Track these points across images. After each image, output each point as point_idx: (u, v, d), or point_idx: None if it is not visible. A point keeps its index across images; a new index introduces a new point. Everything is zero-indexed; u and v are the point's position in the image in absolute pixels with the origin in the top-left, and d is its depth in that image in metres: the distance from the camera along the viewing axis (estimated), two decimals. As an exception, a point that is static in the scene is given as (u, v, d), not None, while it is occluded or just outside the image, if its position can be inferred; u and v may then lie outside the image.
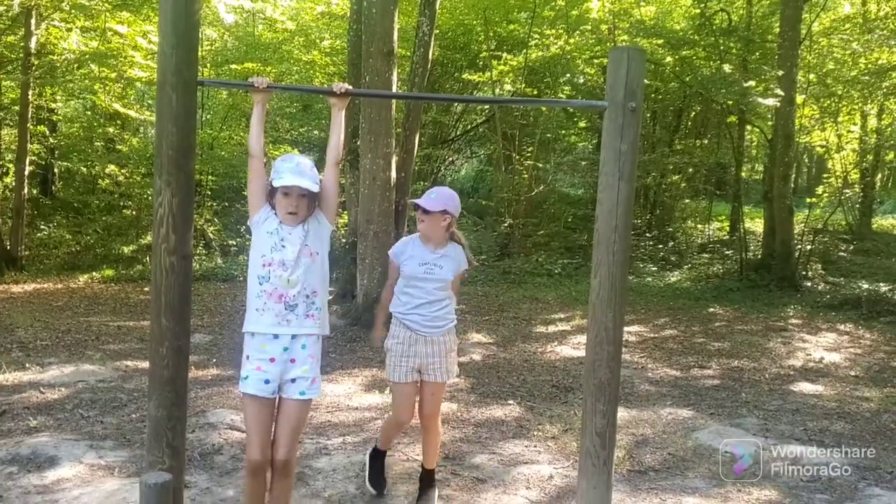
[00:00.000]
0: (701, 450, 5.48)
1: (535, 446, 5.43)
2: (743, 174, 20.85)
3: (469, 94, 19.84)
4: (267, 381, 3.37)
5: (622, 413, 6.25)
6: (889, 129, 19.25)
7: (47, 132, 16.50)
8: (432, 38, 10.33)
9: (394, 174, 9.45)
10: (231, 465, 4.74)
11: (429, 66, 10.56)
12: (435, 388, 4.20)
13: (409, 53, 12.64)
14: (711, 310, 12.60)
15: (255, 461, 3.40)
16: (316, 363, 3.48)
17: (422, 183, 18.47)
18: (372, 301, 9.51)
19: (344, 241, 11.07)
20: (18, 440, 4.89)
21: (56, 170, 17.19)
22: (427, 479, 4.39)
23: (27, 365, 6.88)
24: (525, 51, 18.29)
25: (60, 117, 18.63)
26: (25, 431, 5.15)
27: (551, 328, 10.49)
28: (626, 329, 10.41)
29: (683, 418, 6.25)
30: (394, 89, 9.58)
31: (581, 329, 10.40)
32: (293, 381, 3.41)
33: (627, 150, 3.12)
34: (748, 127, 19.71)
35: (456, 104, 20.95)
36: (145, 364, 7.10)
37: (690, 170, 20.19)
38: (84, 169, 16.92)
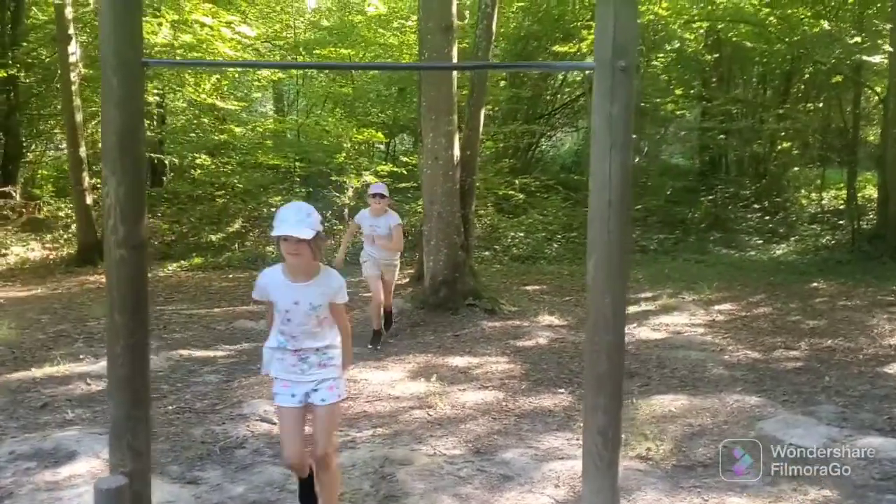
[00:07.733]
0: (762, 442, 4.95)
1: (577, 439, 5.02)
2: (866, 138, 19.49)
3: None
4: None
5: (682, 401, 5.79)
6: None
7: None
8: (496, 11, 9.86)
9: (457, 152, 9.13)
10: (251, 459, 4.60)
11: (493, 39, 10.11)
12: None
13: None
14: (814, 284, 11.73)
15: None
16: None
17: (506, 160, 18.12)
18: (439, 283, 9.23)
19: (420, 224, 10.87)
20: (46, 434, 4.86)
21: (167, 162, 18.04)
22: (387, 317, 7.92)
23: (82, 356, 6.91)
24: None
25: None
26: (59, 424, 5.14)
27: (634, 308, 9.90)
28: (715, 308, 9.93)
29: (750, 406, 5.68)
30: (456, 65, 9.25)
31: (666, 309, 9.86)
32: None
33: (619, 113, 2.71)
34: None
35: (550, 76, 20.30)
36: (199, 353, 7.15)
37: (806, 136, 18.97)
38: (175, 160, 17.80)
